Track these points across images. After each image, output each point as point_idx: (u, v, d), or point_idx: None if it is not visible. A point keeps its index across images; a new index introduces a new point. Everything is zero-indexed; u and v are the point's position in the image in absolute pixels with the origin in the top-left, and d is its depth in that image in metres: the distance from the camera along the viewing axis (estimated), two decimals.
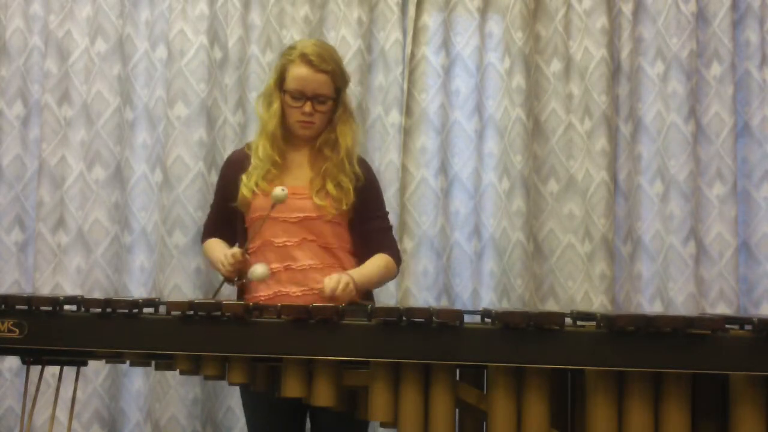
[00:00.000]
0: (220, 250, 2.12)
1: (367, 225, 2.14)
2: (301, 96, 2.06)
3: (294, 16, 2.88)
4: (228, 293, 2.30)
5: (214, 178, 2.82)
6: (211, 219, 2.25)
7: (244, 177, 2.08)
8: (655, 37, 2.93)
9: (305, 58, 2.05)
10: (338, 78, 2.09)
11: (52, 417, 1.84)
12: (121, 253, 2.84)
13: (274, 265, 2.04)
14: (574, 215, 2.87)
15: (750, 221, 2.95)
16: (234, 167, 2.16)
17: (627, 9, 2.94)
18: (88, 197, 2.81)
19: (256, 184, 2.06)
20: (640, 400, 1.56)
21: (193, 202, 2.76)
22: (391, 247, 2.17)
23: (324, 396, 1.63)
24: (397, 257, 2.17)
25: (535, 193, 2.90)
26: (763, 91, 2.96)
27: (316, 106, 2.07)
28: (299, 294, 2.03)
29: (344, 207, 2.07)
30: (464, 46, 2.94)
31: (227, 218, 2.17)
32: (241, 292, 2.14)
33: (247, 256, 2.03)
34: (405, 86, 2.88)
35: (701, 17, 2.96)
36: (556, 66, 2.92)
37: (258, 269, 1.95)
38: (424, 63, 2.91)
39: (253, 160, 2.10)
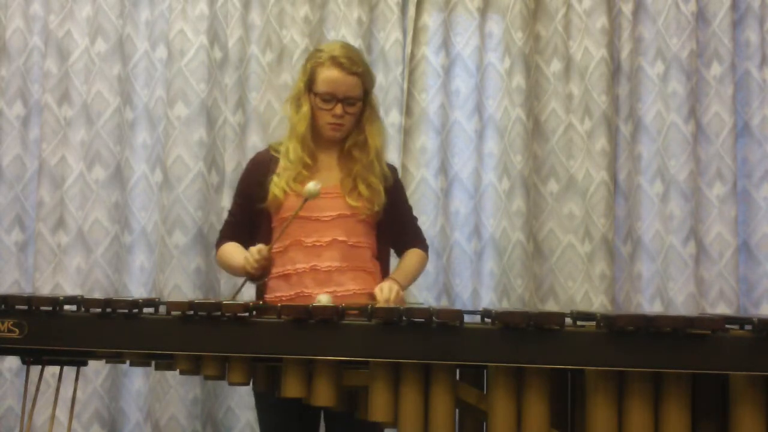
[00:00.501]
0: (240, 252, 2.09)
1: (400, 227, 2.19)
2: (331, 98, 2.06)
3: (294, 16, 2.88)
4: (248, 295, 2.26)
5: (215, 178, 2.82)
6: (231, 223, 2.20)
7: (275, 177, 2.08)
8: (655, 37, 2.93)
9: (336, 61, 2.06)
10: (367, 79, 2.11)
11: (52, 417, 1.84)
12: (121, 253, 2.84)
13: (299, 266, 2.04)
14: (574, 215, 2.87)
15: (750, 221, 2.95)
16: (259, 169, 2.14)
17: (627, 9, 2.94)
18: (88, 197, 2.81)
19: (288, 185, 2.06)
20: (640, 400, 1.56)
21: (193, 202, 2.76)
22: (420, 239, 2.26)
23: (324, 396, 1.63)
24: (425, 247, 2.27)
25: (535, 193, 2.90)
26: (763, 91, 2.97)
27: (346, 108, 2.07)
28: None
29: (377, 208, 2.08)
30: (464, 46, 2.94)
31: (248, 221, 2.14)
32: (261, 293, 2.12)
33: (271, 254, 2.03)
34: (405, 86, 2.88)
35: (701, 17, 2.96)
36: (556, 66, 2.92)
37: (311, 185, 1.94)
38: (424, 63, 2.91)
39: (283, 162, 2.09)
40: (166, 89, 2.82)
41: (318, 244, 2.05)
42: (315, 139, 2.11)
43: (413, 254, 2.21)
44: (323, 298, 1.90)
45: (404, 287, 2.10)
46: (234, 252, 2.12)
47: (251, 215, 2.13)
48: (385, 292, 1.99)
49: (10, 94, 2.86)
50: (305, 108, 2.10)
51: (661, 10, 2.93)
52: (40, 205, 2.79)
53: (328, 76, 2.06)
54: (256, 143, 2.82)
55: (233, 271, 2.14)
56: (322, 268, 2.04)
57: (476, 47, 2.94)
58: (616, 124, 2.94)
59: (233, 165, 2.83)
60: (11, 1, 2.87)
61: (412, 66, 2.90)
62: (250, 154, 2.79)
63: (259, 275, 2.03)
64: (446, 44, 2.93)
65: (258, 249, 1.99)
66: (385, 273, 2.16)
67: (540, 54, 2.95)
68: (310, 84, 2.10)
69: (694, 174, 2.88)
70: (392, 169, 2.22)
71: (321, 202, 2.02)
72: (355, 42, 2.82)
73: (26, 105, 2.88)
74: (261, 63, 2.86)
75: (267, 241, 2.07)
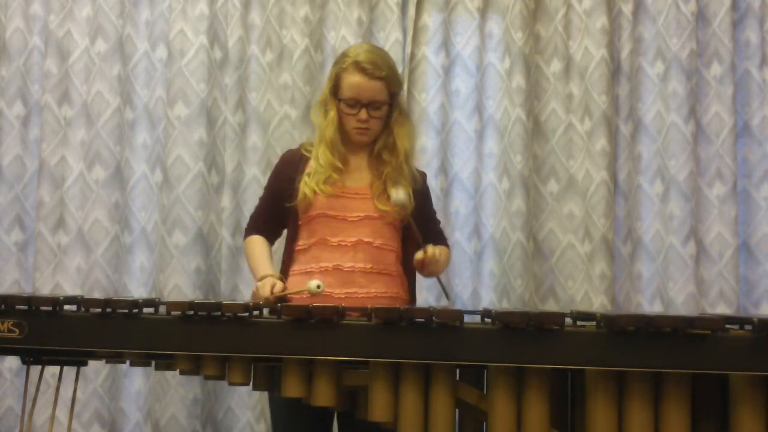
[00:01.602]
0: (262, 257, 2.12)
1: (427, 227, 2.18)
2: (356, 104, 2.06)
3: (294, 16, 2.88)
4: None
5: (215, 178, 2.82)
6: (259, 214, 2.23)
7: (305, 177, 2.08)
8: (655, 37, 2.93)
9: (359, 66, 2.05)
10: (392, 83, 2.09)
11: (52, 417, 1.84)
12: (121, 253, 2.84)
13: (323, 264, 2.05)
14: (574, 215, 2.87)
15: (750, 221, 2.95)
16: (290, 167, 2.15)
17: (627, 9, 2.94)
18: (88, 197, 2.81)
19: (318, 186, 2.06)
20: (640, 400, 1.56)
21: (193, 202, 2.76)
22: (445, 244, 2.25)
23: (324, 396, 1.63)
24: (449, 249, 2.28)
25: (535, 193, 2.90)
26: (763, 91, 2.97)
27: (371, 113, 2.07)
28: (342, 296, 2.01)
29: (408, 211, 2.08)
30: (464, 46, 2.94)
31: (275, 215, 2.17)
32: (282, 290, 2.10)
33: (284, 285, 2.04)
34: (405, 86, 2.88)
35: (701, 17, 2.96)
36: (556, 66, 2.92)
37: (313, 285, 1.93)
38: (424, 63, 2.91)
39: (314, 165, 2.10)
40: (166, 89, 2.82)
41: (343, 243, 2.05)
42: (344, 142, 2.12)
43: (443, 249, 2.20)
44: (313, 285, 1.91)
45: (445, 259, 2.14)
46: (256, 253, 2.15)
47: (278, 210, 2.15)
48: (429, 248, 2.02)
49: (10, 94, 2.86)
50: (332, 113, 2.10)
51: (661, 10, 2.93)
52: (40, 205, 2.79)
53: (352, 81, 2.06)
54: (256, 143, 2.82)
55: (251, 270, 2.17)
56: (345, 268, 2.04)
57: (476, 47, 2.94)
58: (616, 124, 2.94)
59: (233, 165, 2.84)
60: (11, 1, 2.87)
61: (412, 66, 2.90)
62: (250, 154, 2.82)
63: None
64: (446, 44, 2.93)
65: (273, 291, 1.96)
66: (409, 278, 2.15)
67: (540, 54, 2.95)
68: (335, 89, 2.10)
69: (694, 174, 2.88)
70: (421, 174, 2.22)
71: (349, 202, 2.04)
72: (355, 42, 2.81)
73: (26, 105, 2.88)
74: (261, 63, 2.86)
75: (293, 236, 2.10)
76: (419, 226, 2.12)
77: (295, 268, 2.10)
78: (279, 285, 1.99)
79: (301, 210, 2.09)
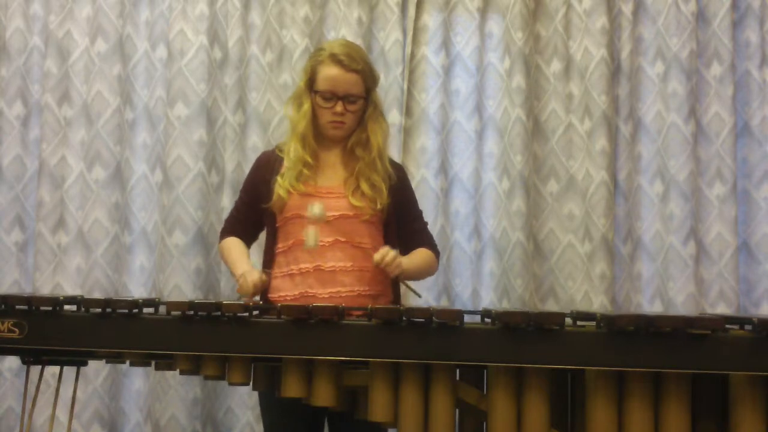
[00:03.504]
0: (239, 255, 2.13)
1: (407, 227, 2.17)
2: (332, 96, 2.06)
3: (294, 16, 2.88)
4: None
5: (215, 178, 2.82)
6: (234, 216, 2.23)
7: (279, 178, 2.08)
8: (655, 37, 2.93)
9: (335, 58, 2.05)
10: (368, 77, 2.10)
11: (52, 417, 1.84)
12: (121, 253, 2.84)
13: (303, 265, 2.05)
14: (574, 215, 2.87)
15: (750, 221, 2.95)
16: (264, 168, 2.15)
17: (627, 9, 2.94)
18: (88, 197, 2.81)
19: (291, 185, 2.06)
20: (640, 400, 1.56)
21: (193, 202, 2.76)
22: (431, 244, 2.22)
23: (324, 396, 1.63)
24: (437, 252, 2.23)
25: (535, 193, 2.90)
26: (763, 91, 2.97)
27: (347, 106, 2.07)
28: (326, 296, 2.02)
29: (379, 207, 2.07)
30: (464, 46, 2.94)
31: (250, 218, 2.17)
32: (265, 292, 2.11)
33: (269, 276, 2.06)
34: (405, 86, 2.88)
35: (701, 17, 2.96)
36: (556, 66, 2.92)
37: (316, 209, 1.96)
38: (424, 63, 2.91)
39: (286, 162, 2.10)
40: (166, 89, 2.82)
41: (321, 244, 2.04)
42: (317, 138, 2.11)
43: (422, 251, 2.18)
44: (316, 209, 1.94)
45: (406, 267, 2.05)
46: (233, 252, 2.15)
47: (255, 213, 2.15)
48: (383, 251, 1.98)
49: (10, 94, 2.86)
50: (306, 106, 2.10)
51: (661, 10, 2.93)
52: (40, 205, 2.79)
53: (328, 73, 2.06)
54: (256, 143, 2.82)
55: (230, 269, 2.17)
56: (326, 268, 2.04)
57: (476, 47, 2.94)
58: (616, 124, 2.94)
59: (233, 165, 2.84)
60: (11, 1, 2.87)
61: (412, 66, 2.90)
62: (250, 154, 2.81)
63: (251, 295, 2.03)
64: (446, 44, 2.93)
65: (254, 282, 1.98)
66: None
67: (540, 54, 2.95)
68: (311, 82, 2.10)
69: (694, 174, 2.88)
70: (399, 167, 2.21)
71: (323, 202, 2.02)
72: (355, 42, 2.81)
73: (26, 105, 2.88)
74: (261, 63, 2.86)
75: (272, 238, 2.10)
76: (397, 225, 2.12)
77: (276, 270, 2.09)
78: (258, 276, 2.00)
79: (277, 211, 2.09)
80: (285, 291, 2.06)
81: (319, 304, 1.64)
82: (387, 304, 2.04)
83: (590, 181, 2.87)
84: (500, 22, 2.94)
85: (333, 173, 2.11)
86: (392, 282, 2.13)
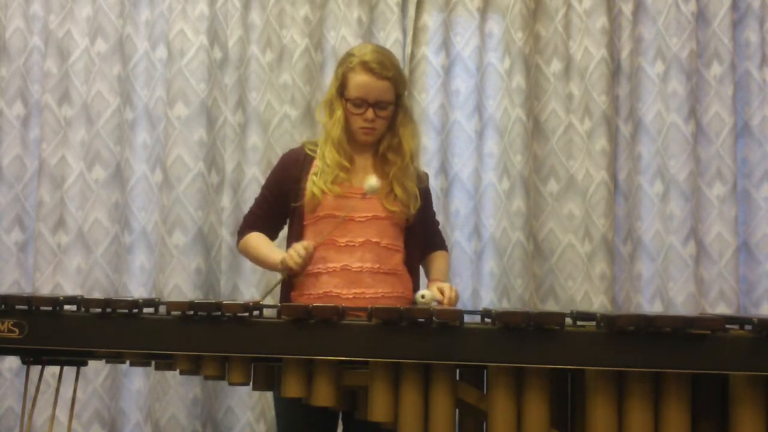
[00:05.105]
0: (269, 244, 2.13)
1: (428, 228, 2.21)
2: (363, 103, 2.06)
3: (294, 16, 2.88)
4: (273, 295, 2.24)
5: (215, 178, 2.82)
6: (255, 213, 2.20)
7: (313, 177, 2.08)
8: (655, 37, 2.93)
9: (366, 66, 2.05)
10: (399, 83, 2.10)
11: (52, 417, 1.84)
12: (121, 253, 2.84)
13: (331, 264, 2.04)
14: (574, 215, 2.87)
15: (750, 221, 2.95)
16: (293, 167, 2.14)
17: (627, 9, 2.94)
18: (88, 197, 2.82)
19: (326, 186, 2.06)
20: (640, 400, 1.56)
21: (193, 202, 2.76)
22: (443, 244, 2.31)
23: (324, 396, 1.63)
24: (447, 251, 2.33)
25: (535, 193, 2.90)
26: (763, 91, 2.97)
27: (377, 112, 2.07)
28: (350, 296, 2.01)
29: (412, 211, 2.10)
30: (464, 46, 2.94)
31: (274, 215, 2.16)
32: (289, 290, 2.10)
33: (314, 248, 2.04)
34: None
35: (701, 17, 2.96)
36: (556, 66, 2.92)
37: (372, 181, 1.98)
38: (424, 63, 2.91)
39: (320, 165, 2.10)
40: (166, 89, 2.82)
41: (351, 244, 2.04)
42: (349, 142, 2.12)
43: (442, 258, 2.26)
44: (373, 180, 1.98)
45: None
46: (262, 244, 2.13)
47: (279, 210, 2.14)
48: (447, 292, 2.02)
49: (10, 94, 2.86)
50: (339, 113, 2.10)
51: (661, 10, 2.93)
52: (40, 205, 2.79)
53: (359, 81, 2.06)
54: (256, 143, 2.82)
55: (262, 263, 2.15)
56: (353, 268, 2.04)
57: (476, 47, 2.94)
58: (616, 124, 2.94)
59: (233, 165, 2.84)
60: (11, 1, 2.87)
61: (412, 66, 2.90)
62: (250, 154, 2.81)
63: (298, 271, 2.02)
64: (446, 44, 2.93)
65: (304, 246, 1.98)
66: (413, 278, 2.15)
67: (540, 54, 2.95)
68: (341, 89, 2.10)
69: (694, 174, 2.88)
70: (424, 174, 2.24)
71: (357, 203, 2.04)
72: (355, 42, 2.82)
73: (26, 105, 2.88)
74: (261, 63, 2.86)
75: (296, 237, 2.08)
76: (419, 228, 2.14)
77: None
78: (308, 244, 1.99)
79: (308, 210, 2.08)
80: (309, 290, 2.05)
81: (319, 305, 1.64)
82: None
83: (590, 181, 2.87)
84: (500, 22, 2.94)
85: (366, 176, 2.10)
86: (413, 285, 2.14)
